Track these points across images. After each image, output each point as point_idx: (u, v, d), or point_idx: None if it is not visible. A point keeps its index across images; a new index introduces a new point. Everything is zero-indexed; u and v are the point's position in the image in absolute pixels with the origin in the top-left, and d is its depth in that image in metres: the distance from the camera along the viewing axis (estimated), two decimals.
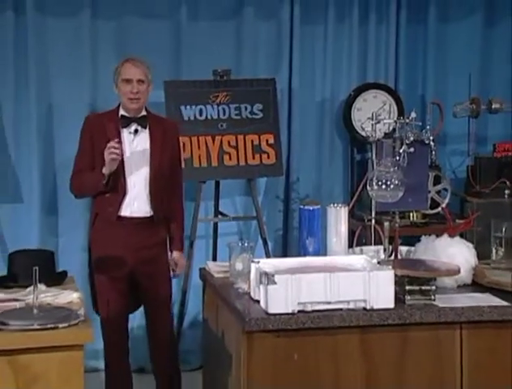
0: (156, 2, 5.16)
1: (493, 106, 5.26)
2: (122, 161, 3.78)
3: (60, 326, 2.48)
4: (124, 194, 3.79)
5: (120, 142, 3.72)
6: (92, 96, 5.12)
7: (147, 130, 3.88)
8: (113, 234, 3.80)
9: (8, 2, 4.94)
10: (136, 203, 3.82)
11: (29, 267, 2.60)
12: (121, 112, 3.87)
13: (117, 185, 3.78)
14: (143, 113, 3.90)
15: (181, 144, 4.58)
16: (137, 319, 5.16)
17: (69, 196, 5.05)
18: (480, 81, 5.50)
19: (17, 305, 2.71)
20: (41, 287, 2.75)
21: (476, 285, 3.13)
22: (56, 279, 3.15)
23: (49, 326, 2.47)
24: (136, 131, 3.85)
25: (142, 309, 4.12)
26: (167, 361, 3.99)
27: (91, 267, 3.93)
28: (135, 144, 3.86)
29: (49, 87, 5.07)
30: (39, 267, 2.58)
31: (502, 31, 5.61)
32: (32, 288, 2.60)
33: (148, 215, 3.84)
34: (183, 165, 4.34)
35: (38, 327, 2.46)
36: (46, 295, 2.80)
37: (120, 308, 3.91)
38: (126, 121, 3.85)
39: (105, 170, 3.71)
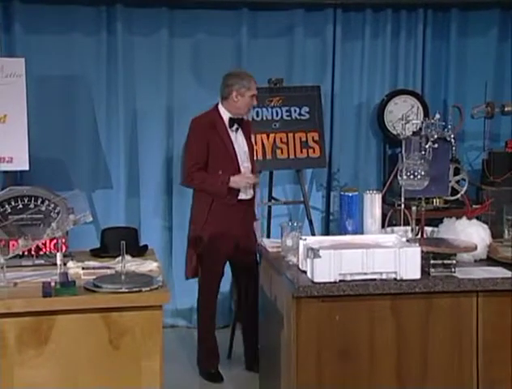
0: (222, 23, 5.15)
1: (506, 109, 5.16)
2: (235, 155, 3.98)
3: (143, 289, 2.50)
4: None
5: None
6: (169, 102, 5.15)
7: (240, 129, 4.04)
8: (227, 213, 3.94)
9: (102, 25, 5.00)
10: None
11: (118, 241, 2.62)
12: (228, 114, 4.02)
13: (233, 174, 3.95)
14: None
15: None
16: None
17: (148, 184, 5.16)
18: (495, 87, 5.36)
19: (108, 271, 2.74)
20: (127, 257, 2.77)
21: (490, 260, 3.06)
22: (139, 251, 3.16)
23: (134, 289, 2.49)
24: (237, 130, 4.02)
25: None
26: (252, 316, 4.03)
27: (190, 239, 4.06)
28: (239, 140, 4.04)
29: (134, 95, 5.12)
30: (125, 241, 2.61)
31: None
32: (120, 258, 2.62)
33: (250, 197, 4.03)
34: None
35: (125, 290, 2.48)
36: (131, 264, 2.82)
37: (220, 274, 4.09)
38: (232, 122, 4.02)
39: (233, 184, 3.91)
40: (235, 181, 3.92)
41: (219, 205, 3.96)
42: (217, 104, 4.09)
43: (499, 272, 2.87)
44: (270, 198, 5.03)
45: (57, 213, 2.86)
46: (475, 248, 2.96)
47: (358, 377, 2.74)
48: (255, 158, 4.29)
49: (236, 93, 3.98)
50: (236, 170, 3.96)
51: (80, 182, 5.02)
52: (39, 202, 2.95)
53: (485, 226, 3.17)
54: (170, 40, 5.09)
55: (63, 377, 2.45)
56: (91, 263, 2.88)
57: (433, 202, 4.66)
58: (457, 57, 5.41)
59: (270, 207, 5.06)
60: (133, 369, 2.48)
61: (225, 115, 4.02)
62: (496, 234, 3.22)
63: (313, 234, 4.69)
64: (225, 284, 5.22)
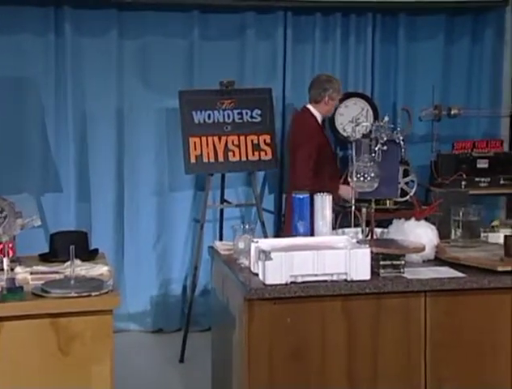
0: (173, 25, 5.14)
1: (452, 112, 5.28)
2: (333, 153, 4.40)
3: (93, 294, 2.47)
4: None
5: None
6: (119, 103, 5.11)
7: None
8: None
9: (50, 27, 4.94)
10: None
11: (67, 246, 2.59)
12: (320, 116, 4.39)
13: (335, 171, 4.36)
14: None
15: (193, 143, 4.65)
16: (156, 288, 5.20)
17: (99, 187, 5.10)
18: (442, 91, 5.48)
19: (57, 276, 2.70)
20: (77, 262, 2.73)
21: (438, 260, 3.12)
22: (89, 255, 3.12)
23: (83, 294, 2.46)
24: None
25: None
26: None
27: None
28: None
29: (83, 96, 5.06)
30: (75, 245, 2.58)
31: (460, 49, 5.59)
32: (69, 262, 2.59)
33: None
34: (193, 161, 4.63)
35: (75, 295, 2.45)
36: (81, 268, 2.79)
37: None
38: (323, 123, 4.44)
39: (341, 192, 4.19)
40: (343, 191, 4.14)
41: None
42: (306, 108, 4.40)
43: (446, 272, 2.92)
44: (223, 200, 5.03)
45: (4, 217, 2.80)
46: (424, 249, 3.01)
47: (309, 378, 2.76)
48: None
49: (328, 98, 4.37)
50: (336, 168, 4.30)
51: (29, 186, 4.93)
52: None
53: (433, 227, 3.22)
54: (119, 42, 5.05)
55: (11, 384, 2.40)
56: (40, 268, 2.83)
57: (383, 203, 4.72)
58: (405, 61, 5.50)
59: (222, 209, 5.06)
60: (83, 374, 2.45)
61: (319, 117, 4.35)
62: (443, 235, 3.28)
63: (265, 236, 4.70)
64: (177, 287, 5.22)
